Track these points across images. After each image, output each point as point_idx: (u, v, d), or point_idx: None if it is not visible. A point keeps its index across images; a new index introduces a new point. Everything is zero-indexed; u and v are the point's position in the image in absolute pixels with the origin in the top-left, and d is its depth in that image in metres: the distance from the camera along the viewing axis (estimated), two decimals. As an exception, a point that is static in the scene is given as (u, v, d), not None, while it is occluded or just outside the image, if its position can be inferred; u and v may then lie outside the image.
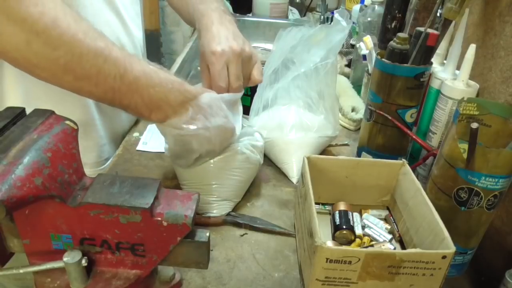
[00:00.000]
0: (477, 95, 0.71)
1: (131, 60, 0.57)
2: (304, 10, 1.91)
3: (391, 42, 0.72)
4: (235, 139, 0.70)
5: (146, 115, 0.60)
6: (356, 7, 1.27)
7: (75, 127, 0.48)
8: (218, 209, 0.71)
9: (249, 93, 0.94)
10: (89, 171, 0.85)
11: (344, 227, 0.66)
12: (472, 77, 0.70)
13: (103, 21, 0.80)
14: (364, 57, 1.00)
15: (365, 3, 1.16)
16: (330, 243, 0.62)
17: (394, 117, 0.74)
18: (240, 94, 0.71)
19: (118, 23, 0.85)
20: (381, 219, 0.70)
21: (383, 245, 0.64)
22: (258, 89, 0.86)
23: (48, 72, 0.54)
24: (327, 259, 0.50)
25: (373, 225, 0.68)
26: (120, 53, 0.56)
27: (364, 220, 0.69)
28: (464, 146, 0.54)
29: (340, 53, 1.25)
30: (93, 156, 0.88)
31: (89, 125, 0.84)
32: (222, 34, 0.70)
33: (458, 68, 0.72)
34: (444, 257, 0.50)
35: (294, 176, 0.81)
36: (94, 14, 0.78)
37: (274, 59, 0.83)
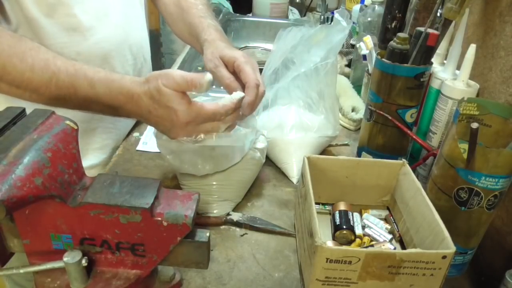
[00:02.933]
0: (477, 95, 0.71)
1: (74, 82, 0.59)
2: (304, 10, 1.91)
3: (391, 42, 0.72)
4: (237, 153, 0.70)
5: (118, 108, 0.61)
6: (356, 7, 1.27)
7: (75, 127, 0.48)
8: (218, 209, 0.71)
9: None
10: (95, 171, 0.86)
11: (344, 227, 0.66)
12: (472, 77, 0.70)
13: (113, 23, 0.82)
14: (364, 57, 1.00)
15: (365, 3, 1.16)
16: (330, 243, 0.62)
17: (394, 117, 0.74)
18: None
19: (125, 23, 0.86)
20: (381, 219, 0.70)
21: (383, 245, 0.64)
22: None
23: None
24: (327, 259, 0.50)
25: (373, 225, 0.68)
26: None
27: (364, 220, 0.69)
28: (464, 146, 0.54)
29: (340, 53, 1.25)
30: (103, 156, 0.90)
31: (96, 123, 0.87)
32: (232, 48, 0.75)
33: (458, 68, 0.72)
34: (444, 257, 0.50)
35: (294, 176, 0.81)
36: (100, 17, 0.79)
37: (274, 59, 0.83)
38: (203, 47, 0.78)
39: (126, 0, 0.86)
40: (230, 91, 0.68)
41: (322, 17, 1.58)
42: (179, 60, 1.33)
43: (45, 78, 0.58)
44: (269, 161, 0.85)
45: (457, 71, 0.73)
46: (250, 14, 1.78)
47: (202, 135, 0.62)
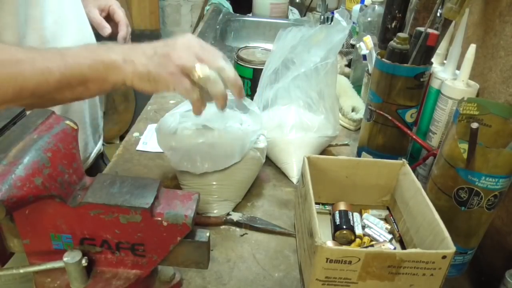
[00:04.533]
0: (477, 95, 0.71)
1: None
2: (304, 10, 1.91)
3: (391, 42, 0.72)
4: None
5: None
6: (356, 7, 1.26)
7: (75, 127, 0.48)
8: (218, 209, 0.71)
9: (249, 93, 0.94)
10: None
11: (344, 227, 0.66)
12: (472, 77, 0.70)
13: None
14: (364, 57, 1.00)
15: (365, 3, 1.16)
16: (330, 243, 0.62)
17: (394, 117, 0.74)
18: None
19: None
20: (381, 219, 0.70)
21: (383, 245, 0.64)
22: (258, 89, 0.86)
23: None
24: (327, 259, 0.50)
25: (373, 225, 0.68)
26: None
27: (364, 220, 0.69)
28: (464, 146, 0.54)
29: (340, 53, 1.25)
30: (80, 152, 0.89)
31: (78, 116, 0.86)
32: None
33: (458, 68, 0.72)
34: (444, 257, 0.50)
35: (294, 176, 0.81)
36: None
37: (274, 59, 0.83)
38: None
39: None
40: (100, 28, 0.89)
41: (322, 17, 1.58)
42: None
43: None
44: (269, 161, 0.85)
45: (457, 71, 0.73)
46: (250, 14, 1.78)
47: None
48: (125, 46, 0.58)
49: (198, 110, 0.59)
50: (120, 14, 0.92)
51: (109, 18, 0.93)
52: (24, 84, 0.54)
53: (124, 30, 0.91)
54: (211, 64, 0.57)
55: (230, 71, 0.58)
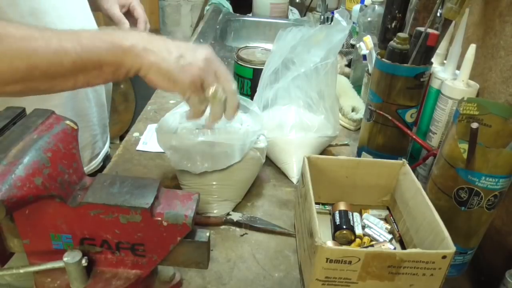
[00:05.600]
0: (477, 95, 0.71)
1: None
2: (304, 10, 1.91)
3: (391, 42, 0.72)
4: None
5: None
6: (356, 7, 1.26)
7: (75, 127, 0.48)
8: (218, 209, 0.71)
9: (249, 93, 0.94)
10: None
11: (344, 227, 0.66)
12: (472, 77, 0.70)
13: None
14: (364, 57, 1.00)
15: (365, 3, 1.16)
16: (330, 243, 0.62)
17: (394, 117, 0.74)
18: None
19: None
20: (381, 219, 0.70)
21: (383, 245, 0.64)
22: (258, 89, 0.86)
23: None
24: (327, 259, 0.50)
25: (373, 225, 0.68)
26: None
27: (364, 220, 0.69)
28: (464, 146, 0.54)
29: (340, 53, 1.25)
30: (88, 152, 0.90)
31: (85, 115, 0.86)
32: None
33: (458, 68, 0.72)
34: (444, 257, 0.50)
35: (294, 176, 0.81)
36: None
37: (274, 59, 0.83)
38: None
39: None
40: (119, 24, 0.92)
41: (322, 17, 1.58)
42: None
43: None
44: (269, 161, 0.85)
45: (457, 71, 0.73)
46: (250, 14, 1.78)
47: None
48: (144, 34, 0.57)
49: (193, 118, 0.60)
50: (139, 11, 0.97)
51: (129, 14, 0.97)
52: (37, 62, 0.52)
53: (142, 26, 0.96)
54: (226, 87, 0.58)
55: (236, 97, 0.60)
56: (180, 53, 0.56)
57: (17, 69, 0.51)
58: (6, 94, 0.53)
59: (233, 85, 0.59)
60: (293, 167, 0.82)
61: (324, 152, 0.90)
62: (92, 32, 0.56)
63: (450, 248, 0.50)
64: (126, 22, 0.94)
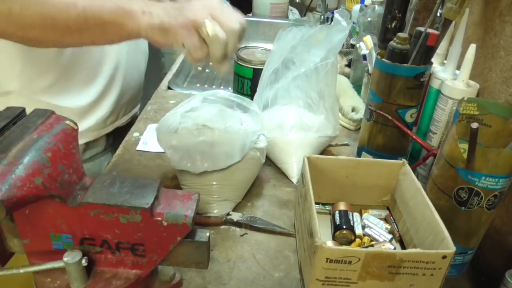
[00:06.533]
0: (477, 95, 0.71)
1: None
2: (304, 10, 1.91)
3: (391, 42, 0.72)
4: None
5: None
6: (356, 7, 1.26)
7: (75, 127, 0.48)
8: (218, 209, 0.71)
9: (249, 93, 0.94)
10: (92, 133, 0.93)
11: (344, 227, 0.66)
12: (472, 77, 0.70)
13: None
14: (364, 57, 1.00)
15: (365, 3, 1.16)
16: (330, 243, 0.62)
17: (394, 117, 0.74)
18: None
19: None
20: (381, 219, 0.70)
21: (383, 245, 0.64)
22: (258, 89, 0.86)
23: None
24: (327, 259, 0.50)
25: (373, 225, 0.68)
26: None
27: (364, 220, 0.69)
28: (464, 146, 0.54)
29: (340, 53, 1.25)
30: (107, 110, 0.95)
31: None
32: None
33: (458, 68, 0.72)
34: (444, 257, 0.50)
35: (294, 176, 0.81)
36: None
37: (274, 59, 0.83)
38: None
39: None
40: None
41: (322, 17, 1.58)
42: (179, 60, 1.33)
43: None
44: (269, 161, 0.85)
45: (457, 71, 0.73)
46: (250, 14, 1.78)
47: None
48: (147, 1, 0.59)
49: (192, 62, 0.60)
50: None
51: None
52: (50, 11, 0.57)
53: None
54: (224, 24, 0.58)
55: (235, 38, 0.59)
56: (172, 6, 0.58)
57: (33, 16, 0.57)
58: (28, 40, 0.61)
59: (235, 25, 0.58)
60: (293, 167, 0.82)
61: (324, 152, 0.90)
62: None
63: (450, 248, 0.50)
64: None
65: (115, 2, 0.58)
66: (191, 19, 0.56)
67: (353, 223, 0.67)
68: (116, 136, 1.01)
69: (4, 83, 0.83)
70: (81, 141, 0.87)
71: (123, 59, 0.96)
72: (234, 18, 0.59)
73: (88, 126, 0.92)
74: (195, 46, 0.57)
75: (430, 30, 0.69)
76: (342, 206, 0.69)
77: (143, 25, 0.57)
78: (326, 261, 0.50)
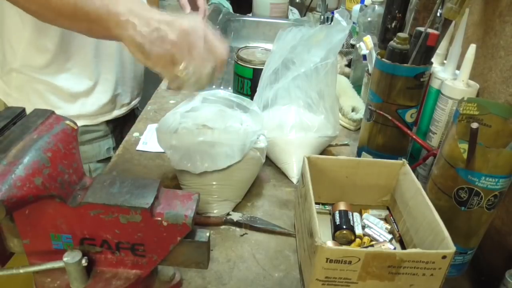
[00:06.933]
0: (477, 95, 0.71)
1: None
2: (304, 10, 1.91)
3: (391, 42, 0.72)
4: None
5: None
6: (356, 7, 1.26)
7: (75, 127, 0.48)
8: (218, 209, 0.71)
9: (249, 93, 0.94)
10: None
11: (344, 227, 0.66)
12: (472, 77, 0.70)
13: None
14: (364, 57, 1.00)
15: (365, 3, 1.16)
16: (330, 243, 0.62)
17: (394, 117, 0.74)
18: None
19: None
20: (381, 219, 0.70)
21: (383, 245, 0.64)
22: (258, 89, 0.86)
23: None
24: (327, 259, 0.50)
25: (373, 225, 0.68)
26: None
27: (364, 220, 0.69)
28: (464, 146, 0.54)
29: (340, 53, 1.25)
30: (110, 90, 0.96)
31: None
32: None
33: (458, 68, 0.72)
34: (444, 257, 0.50)
35: (294, 176, 0.81)
36: None
37: (274, 59, 0.83)
38: None
39: None
40: (183, 8, 1.12)
41: (322, 17, 1.58)
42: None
43: None
44: (269, 161, 0.85)
45: (457, 71, 0.73)
46: (250, 14, 1.78)
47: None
48: (137, 4, 0.57)
49: (172, 88, 0.61)
50: (201, 1, 1.16)
51: (193, 2, 1.15)
52: None
53: (201, 16, 1.13)
54: (198, 66, 0.57)
55: (207, 80, 0.59)
56: (157, 26, 0.55)
57: None
58: (31, 12, 0.61)
59: (208, 66, 0.58)
60: (293, 167, 0.82)
61: (324, 152, 0.90)
62: None
63: (450, 248, 0.50)
64: (187, 8, 1.12)
65: (102, 0, 0.56)
66: (170, 53, 0.55)
67: (353, 223, 0.67)
68: (116, 124, 1.02)
69: (10, 59, 0.86)
70: (80, 123, 0.86)
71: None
72: (215, 51, 0.59)
73: (86, 111, 0.94)
74: (170, 78, 0.58)
75: (430, 30, 0.69)
76: (342, 206, 0.69)
77: (124, 37, 0.56)
78: (326, 261, 0.50)
